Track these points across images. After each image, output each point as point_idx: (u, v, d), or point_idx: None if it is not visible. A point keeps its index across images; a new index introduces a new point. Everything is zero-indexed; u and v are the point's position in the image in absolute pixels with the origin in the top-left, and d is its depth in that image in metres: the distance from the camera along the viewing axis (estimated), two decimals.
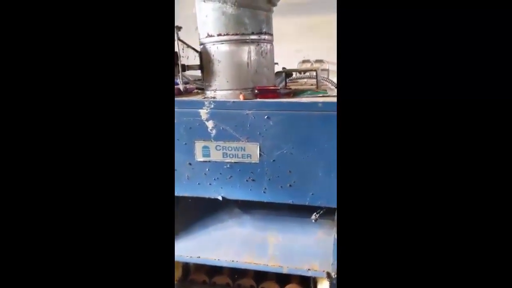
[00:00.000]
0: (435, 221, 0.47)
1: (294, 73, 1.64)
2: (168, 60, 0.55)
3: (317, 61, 4.03)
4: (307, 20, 3.79)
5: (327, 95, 1.05)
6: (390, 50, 0.49)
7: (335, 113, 0.92)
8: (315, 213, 1.08)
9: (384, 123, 0.49)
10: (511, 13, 0.44)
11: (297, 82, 1.76)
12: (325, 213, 1.05)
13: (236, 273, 1.27)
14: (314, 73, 1.12)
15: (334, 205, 0.98)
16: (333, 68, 3.63)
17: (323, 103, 0.95)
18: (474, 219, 0.46)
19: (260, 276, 1.25)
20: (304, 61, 4.11)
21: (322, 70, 4.07)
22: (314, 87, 1.42)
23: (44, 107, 0.43)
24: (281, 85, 1.38)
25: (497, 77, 0.45)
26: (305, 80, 1.76)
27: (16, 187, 0.41)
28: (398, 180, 0.49)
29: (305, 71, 1.54)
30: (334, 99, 0.95)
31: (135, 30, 0.46)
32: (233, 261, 1.09)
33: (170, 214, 0.51)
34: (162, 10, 0.47)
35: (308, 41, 3.86)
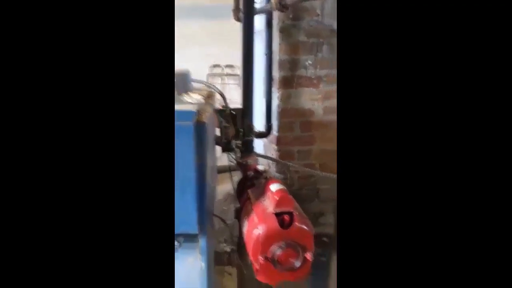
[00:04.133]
0: (438, 223, 0.47)
1: None
2: (169, 61, 0.53)
3: (227, 66, 3.97)
4: (219, 24, 3.66)
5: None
6: (390, 49, 0.48)
7: (187, 123, 0.78)
8: (175, 241, 0.93)
9: (384, 123, 0.49)
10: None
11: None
12: (187, 238, 0.91)
13: None
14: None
15: (194, 230, 0.85)
16: None
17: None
18: (475, 220, 0.46)
19: None
20: (214, 66, 4.01)
21: (233, 75, 4.04)
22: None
23: (43, 107, 0.44)
24: None
25: (498, 77, 0.46)
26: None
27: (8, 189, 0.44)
28: (399, 181, 0.48)
29: None
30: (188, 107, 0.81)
31: (135, 30, 0.48)
32: None
33: (170, 217, 0.54)
34: (162, 10, 0.48)
35: (219, 46, 3.76)
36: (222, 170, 1.86)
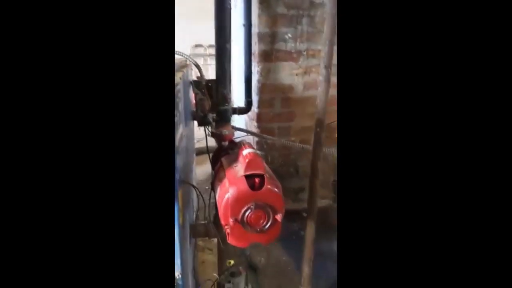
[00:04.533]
0: (436, 222, 0.46)
1: None
2: (169, 59, 0.53)
3: (210, 46, 3.88)
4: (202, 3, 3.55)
5: None
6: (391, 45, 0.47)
7: None
8: None
9: (384, 120, 0.47)
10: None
11: None
12: None
13: None
14: None
15: None
16: None
17: None
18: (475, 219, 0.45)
19: None
20: (196, 46, 3.93)
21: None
22: None
23: (44, 107, 0.44)
24: None
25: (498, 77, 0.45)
26: None
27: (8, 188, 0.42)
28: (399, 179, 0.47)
29: None
30: None
31: (135, 30, 0.47)
32: None
33: (170, 217, 0.53)
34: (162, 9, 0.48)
35: (205, 24, 3.66)
36: (201, 152, 1.84)
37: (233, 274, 1.09)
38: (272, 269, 1.57)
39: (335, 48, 0.91)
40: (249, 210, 0.70)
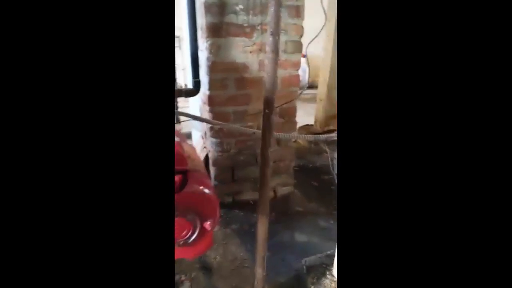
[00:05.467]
0: (437, 223, 0.44)
1: None
2: (169, 60, 0.48)
3: None
4: None
5: None
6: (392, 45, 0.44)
7: None
8: None
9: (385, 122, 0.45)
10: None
11: None
12: None
13: None
14: None
15: None
16: None
17: None
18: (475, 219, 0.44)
19: None
20: None
21: None
22: None
23: (43, 107, 0.42)
24: None
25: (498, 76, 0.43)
26: None
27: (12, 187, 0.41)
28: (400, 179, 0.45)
29: None
30: None
31: (134, 30, 0.44)
32: None
33: (170, 215, 0.45)
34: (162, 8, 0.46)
35: None
36: None
37: None
38: (228, 267, 1.43)
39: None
40: None
